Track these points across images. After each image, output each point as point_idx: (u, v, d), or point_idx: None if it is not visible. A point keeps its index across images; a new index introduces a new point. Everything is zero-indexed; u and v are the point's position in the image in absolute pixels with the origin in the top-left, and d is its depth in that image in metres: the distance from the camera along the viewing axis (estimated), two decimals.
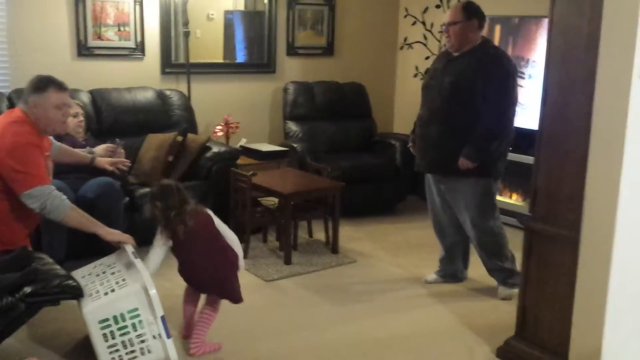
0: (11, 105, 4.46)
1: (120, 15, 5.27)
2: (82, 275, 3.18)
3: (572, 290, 2.89)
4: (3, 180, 3.19)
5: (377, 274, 4.48)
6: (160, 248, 3.19)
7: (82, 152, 4.05)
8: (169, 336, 2.92)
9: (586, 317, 2.84)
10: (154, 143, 4.90)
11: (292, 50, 6.21)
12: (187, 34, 5.52)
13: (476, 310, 3.90)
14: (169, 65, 5.59)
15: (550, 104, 2.99)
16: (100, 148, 4.24)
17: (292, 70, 6.22)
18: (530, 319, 3.20)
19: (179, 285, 3.43)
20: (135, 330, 2.88)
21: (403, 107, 6.74)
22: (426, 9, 6.38)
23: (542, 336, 3.14)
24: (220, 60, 6.08)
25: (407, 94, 6.64)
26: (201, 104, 5.62)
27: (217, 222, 3.33)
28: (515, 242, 3.70)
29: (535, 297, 3.16)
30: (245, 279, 4.15)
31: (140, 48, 5.42)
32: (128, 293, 2.90)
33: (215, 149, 5.04)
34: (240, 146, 5.56)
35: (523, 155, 5.14)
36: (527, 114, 5.23)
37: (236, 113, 5.73)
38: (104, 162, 4.06)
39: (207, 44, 5.90)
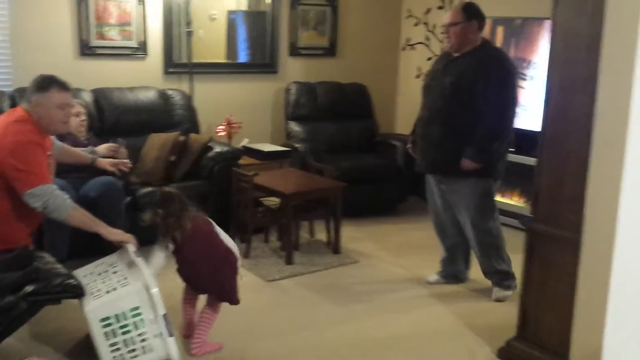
0: (13, 104, 4.47)
1: (122, 15, 5.27)
2: (84, 274, 3.18)
3: (573, 291, 2.89)
4: (5, 179, 3.18)
5: (378, 274, 4.48)
6: (161, 253, 3.19)
7: (83, 153, 4.05)
8: (170, 335, 2.92)
9: (587, 318, 2.84)
10: (156, 143, 4.90)
11: (295, 51, 6.22)
12: (189, 34, 5.53)
13: (477, 310, 3.90)
14: (172, 65, 5.59)
15: (552, 105, 2.99)
16: (103, 147, 4.24)
17: (295, 70, 6.23)
18: (531, 320, 3.20)
19: (181, 284, 3.44)
20: (137, 329, 2.89)
21: (405, 108, 6.74)
22: (429, 10, 6.38)
23: (543, 337, 3.14)
24: (223, 60, 6.08)
25: (409, 95, 6.63)
26: (203, 103, 5.62)
27: (217, 229, 3.38)
28: (516, 243, 3.70)
29: (536, 298, 3.16)
30: (247, 278, 4.17)
31: (142, 48, 5.42)
32: (130, 291, 2.90)
33: (217, 149, 5.04)
34: (242, 146, 5.56)
35: (524, 157, 5.14)
36: (529, 115, 5.23)
37: (238, 113, 5.73)
38: (105, 163, 4.07)
39: (210, 43, 5.90)
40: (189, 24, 5.51)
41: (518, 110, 3.94)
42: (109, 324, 2.87)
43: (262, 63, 6.12)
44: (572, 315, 2.90)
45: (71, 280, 2.98)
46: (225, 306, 3.35)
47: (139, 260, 3.08)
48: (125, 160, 4.21)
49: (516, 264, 3.68)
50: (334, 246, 4.82)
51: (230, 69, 6.03)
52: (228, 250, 3.34)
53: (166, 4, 5.46)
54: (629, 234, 2.70)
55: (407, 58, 6.76)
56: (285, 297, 4.07)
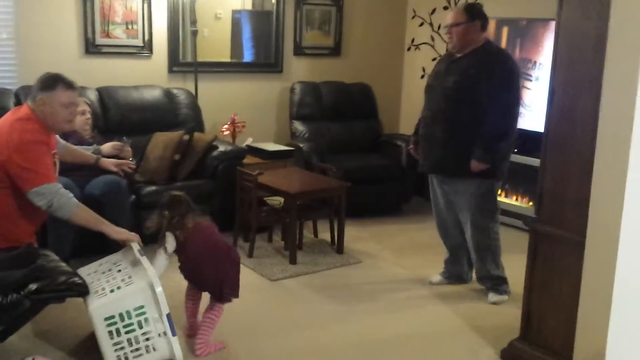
0: (18, 102, 4.48)
1: (128, 13, 5.28)
2: (88, 272, 3.19)
3: (577, 293, 2.88)
4: (10, 177, 3.19)
5: (381, 274, 4.48)
6: (163, 255, 3.20)
7: (87, 152, 4.06)
8: (174, 334, 2.93)
9: (591, 320, 2.83)
10: (161, 141, 4.91)
11: (299, 50, 6.22)
12: (194, 33, 5.53)
13: (480, 311, 3.90)
14: (177, 63, 5.60)
15: (557, 107, 2.99)
16: (107, 146, 4.25)
17: (299, 70, 6.23)
18: (535, 321, 3.19)
19: (185, 284, 3.44)
20: (141, 328, 2.89)
21: (409, 108, 6.73)
22: (434, 10, 6.38)
23: (547, 338, 3.14)
24: (228, 60, 6.09)
25: (414, 95, 6.62)
26: (208, 103, 5.63)
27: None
28: (520, 244, 3.70)
29: (539, 299, 3.16)
30: (250, 278, 4.18)
31: (148, 46, 5.43)
32: (134, 290, 2.91)
33: (221, 148, 5.05)
34: (247, 145, 5.56)
35: (528, 158, 5.13)
36: (534, 116, 5.23)
37: (243, 112, 5.74)
38: (108, 163, 4.08)
39: (215, 43, 5.91)
40: (194, 23, 5.51)
41: (522, 109, 3.93)
42: (113, 323, 2.87)
43: (267, 62, 6.13)
44: (576, 317, 2.90)
45: (75, 279, 2.98)
46: (228, 305, 3.35)
47: (144, 259, 3.09)
48: (129, 161, 4.22)
49: (520, 264, 3.67)
50: (337, 246, 4.82)
51: (235, 68, 6.04)
52: (230, 247, 3.35)
53: (171, 2, 5.47)
54: (633, 235, 2.69)
55: (412, 58, 6.76)
56: (289, 296, 4.07)
